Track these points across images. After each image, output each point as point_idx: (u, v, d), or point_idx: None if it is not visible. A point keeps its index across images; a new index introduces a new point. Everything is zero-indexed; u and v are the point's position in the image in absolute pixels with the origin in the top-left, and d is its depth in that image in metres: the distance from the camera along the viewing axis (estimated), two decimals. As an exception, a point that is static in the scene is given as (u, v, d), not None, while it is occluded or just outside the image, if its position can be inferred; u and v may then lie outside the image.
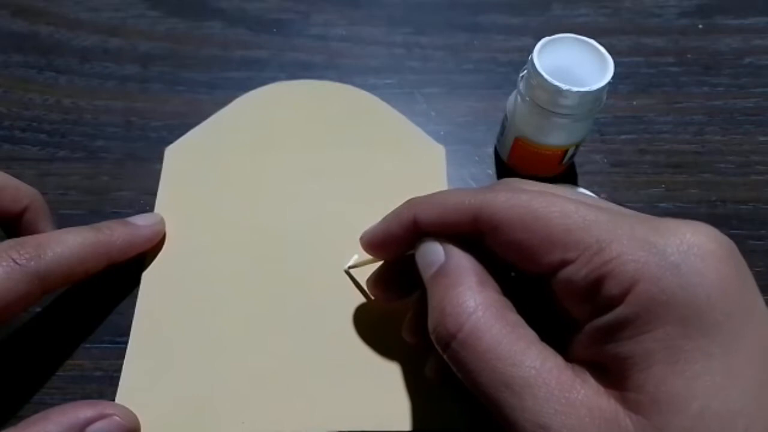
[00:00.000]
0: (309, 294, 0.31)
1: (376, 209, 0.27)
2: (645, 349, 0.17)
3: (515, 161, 0.35)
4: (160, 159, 0.35)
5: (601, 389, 0.18)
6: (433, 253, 0.22)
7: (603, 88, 0.29)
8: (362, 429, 0.27)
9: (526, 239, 0.20)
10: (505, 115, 0.34)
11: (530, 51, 0.30)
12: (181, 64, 0.40)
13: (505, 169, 0.36)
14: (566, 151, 0.33)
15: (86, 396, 0.28)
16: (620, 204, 0.32)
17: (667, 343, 0.17)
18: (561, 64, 0.30)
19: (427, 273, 0.23)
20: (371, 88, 0.39)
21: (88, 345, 0.29)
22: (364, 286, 0.30)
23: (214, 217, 0.33)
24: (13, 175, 0.34)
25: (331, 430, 0.27)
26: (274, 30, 0.42)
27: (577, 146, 0.33)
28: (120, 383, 0.28)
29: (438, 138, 0.37)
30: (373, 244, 0.26)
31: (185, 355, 0.29)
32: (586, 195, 0.31)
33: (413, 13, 0.44)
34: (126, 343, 0.29)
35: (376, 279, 0.28)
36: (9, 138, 0.36)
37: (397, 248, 0.25)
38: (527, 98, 0.31)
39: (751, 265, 0.33)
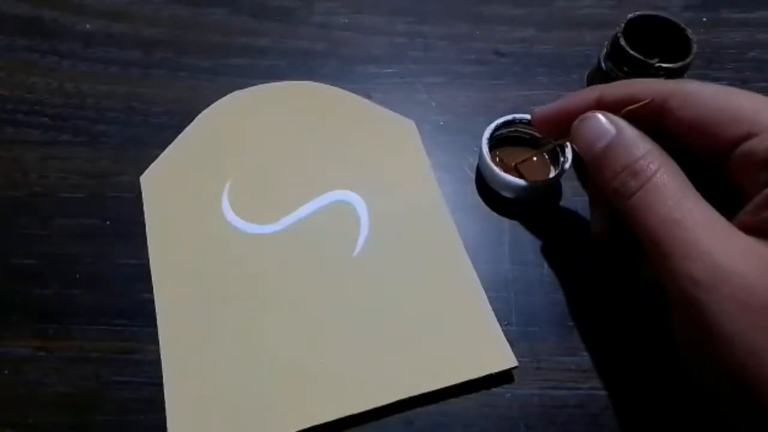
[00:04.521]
0: (318, 282, 0.31)
1: (365, 191, 0.29)
2: None
3: None
4: (161, 144, 0.35)
5: (765, 242, 0.21)
6: (602, 125, 0.25)
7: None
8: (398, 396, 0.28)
9: (716, 116, 0.23)
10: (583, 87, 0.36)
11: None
12: (184, 51, 0.40)
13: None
14: None
15: (84, 377, 0.28)
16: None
17: None
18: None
19: (597, 144, 0.25)
20: (372, 77, 0.39)
21: (86, 326, 0.30)
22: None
23: (210, 230, 0.32)
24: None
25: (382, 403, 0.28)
26: (277, 17, 0.42)
27: None
28: (167, 415, 0.27)
29: (438, 128, 0.37)
30: (545, 116, 0.29)
31: (221, 366, 0.29)
32: None
33: (416, 2, 0.44)
34: (123, 325, 0.30)
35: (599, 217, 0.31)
36: (12, 121, 0.37)
37: (568, 124, 0.27)
38: (613, 72, 0.33)
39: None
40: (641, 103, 0.25)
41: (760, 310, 0.19)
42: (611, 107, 0.26)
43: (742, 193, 0.23)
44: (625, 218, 0.24)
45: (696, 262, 0.20)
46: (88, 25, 0.41)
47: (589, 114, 0.26)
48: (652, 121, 0.25)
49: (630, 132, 0.24)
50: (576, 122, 0.26)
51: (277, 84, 0.39)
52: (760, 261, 0.20)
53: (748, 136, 0.22)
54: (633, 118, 0.25)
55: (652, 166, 0.23)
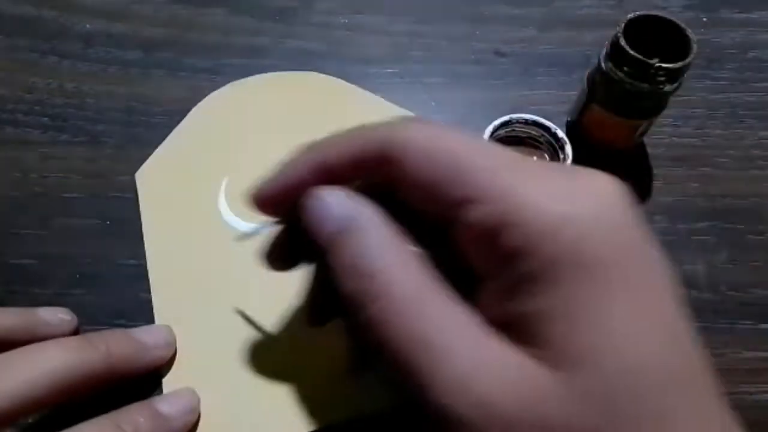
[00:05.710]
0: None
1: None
2: (555, 305, 0.16)
3: (590, 129, 0.36)
4: (161, 144, 0.35)
5: (515, 347, 0.17)
6: (337, 205, 0.20)
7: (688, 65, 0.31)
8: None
9: (433, 172, 0.18)
10: (583, 87, 0.35)
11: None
12: (184, 51, 0.40)
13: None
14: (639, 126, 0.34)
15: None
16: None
17: (580, 299, 0.16)
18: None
19: (327, 228, 0.20)
20: (372, 77, 0.39)
21: (86, 326, 0.29)
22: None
23: (207, 229, 0.32)
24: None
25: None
26: (277, 17, 0.42)
27: (650, 123, 0.35)
28: None
29: (438, 128, 0.37)
30: (266, 197, 0.22)
31: (220, 365, 0.28)
32: None
33: (416, 2, 0.44)
34: (123, 325, 0.29)
35: (272, 247, 0.24)
36: (12, 121, 0.37)
37: (291, 203, 0.22)
38: (613, 72, 0.32)
39: (750, 260, 0.33)
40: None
41: None
42: (339, 173, 0.21)
43: (478, 272, 0.19)
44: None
45: (447, 396, 0.16)
46: (88, 25, 0.41)
47: (315, 192, 0.21)
48: (387, 182, 0.20)
49: (366, 213, 0.20)
50: (302, 200, 0.21)
51: (275, 74, 0.38)
52: (515, 381, 0.16)
53: (466, 201, 0.18)
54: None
55: (388, 263, 0.18)
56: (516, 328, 0.17)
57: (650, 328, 0.16)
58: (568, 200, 0.17)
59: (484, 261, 0.18)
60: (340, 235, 0.19)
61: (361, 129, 0.21)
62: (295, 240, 0.23)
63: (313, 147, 0.22)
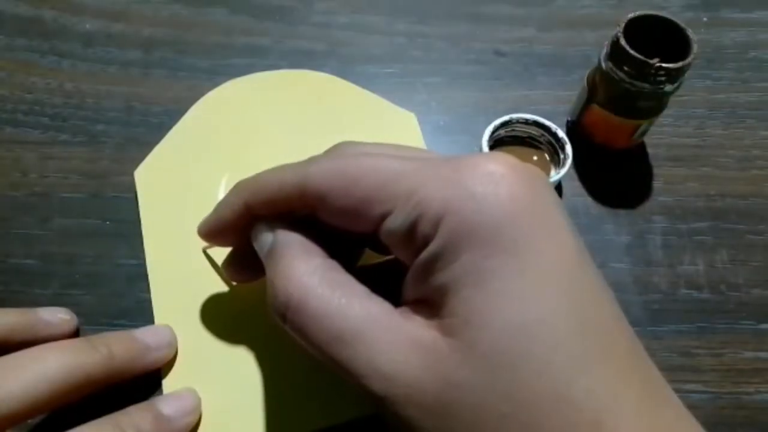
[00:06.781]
0: None
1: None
2: (454, 276, 0.18)
3: (590, 129, 0.36)
4: (160, 144, 0.35)
5: (424, 322, 0.19)
6: (263, 235, 0.23)
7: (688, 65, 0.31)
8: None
9: (349, 203, 0.21)
10: (584, 87, 0.35)
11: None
12: (184, 50, 0.40)
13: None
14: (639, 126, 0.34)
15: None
16: (613, 198, 0.32)
17: (472, 267, 0.18)
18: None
19: (261, 255, 0.24)
20: (372, 77, 0.39)
21: (86, 326, 0.30)
22: (221, 267, 0.29)
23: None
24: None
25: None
26: (277, 17, 0.42)
27: (650, 123, 0.34)
28: None
29: (438, 128, 0.37)
30: (210, 234, 0.26)
31: (221, 365, 0.28)
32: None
33: (416, 2, 0.44)
34: (123, 325, 0.29)
35: (229, 261, 0.28)
36: (11, 121, 0.37)
37: (237, 235, 0.25)
38: (613, 72, 0.32)
39: (750, 260, 0.33)
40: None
41: (436, 408, 0.18)
42: (261, 212, 0.24)
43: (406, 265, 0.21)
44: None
45: (371, 379, 0.19)
46: (88, 25, 0.41)
47: (253, 228, 0.24)
48: (310, 212, 0.22)
49: (280, 239, 0.23)
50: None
51: (274, 72, 0.38)
52: (421, 354, 0.18)
53: (384, 216, 0.20)
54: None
55: (294, 276, 0.21)
56: (429, 303, 0.19)
57: (540, 288, 0.18)
58: (451, 186, 0.19)
59: (406, 253, 0.20)
60: (265, 260, 0.23)
61: (280, 171, 0.23)
62: (252, 254, 0.25)
63: (239, 189, 0.24)
